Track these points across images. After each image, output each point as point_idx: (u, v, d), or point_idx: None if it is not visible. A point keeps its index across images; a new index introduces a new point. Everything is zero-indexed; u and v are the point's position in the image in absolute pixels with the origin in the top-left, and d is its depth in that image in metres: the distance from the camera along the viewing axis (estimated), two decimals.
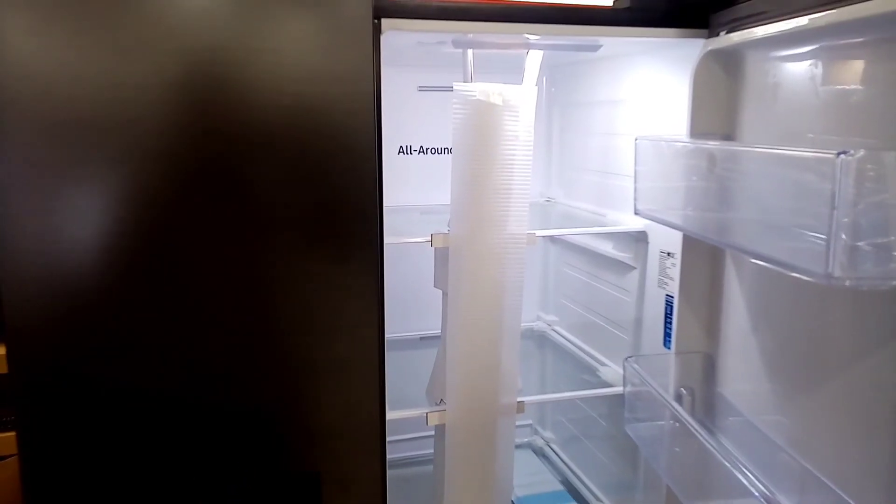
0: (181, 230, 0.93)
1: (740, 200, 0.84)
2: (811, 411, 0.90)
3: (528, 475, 1.64)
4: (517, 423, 1.66)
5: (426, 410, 1.24)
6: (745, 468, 0.85)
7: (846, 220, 0.63)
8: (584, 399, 1.59)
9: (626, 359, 1.19)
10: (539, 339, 1.77)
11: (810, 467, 0.87)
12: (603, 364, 1.48)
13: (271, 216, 0.96)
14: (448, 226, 1.21)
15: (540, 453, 1.76)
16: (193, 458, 0.98)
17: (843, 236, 0.63)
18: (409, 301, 1.58)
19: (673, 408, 1.04)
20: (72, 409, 0.92)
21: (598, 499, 1.49)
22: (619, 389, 1.32)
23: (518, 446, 1.76)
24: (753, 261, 0.97)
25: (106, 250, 0.91)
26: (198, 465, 0.98)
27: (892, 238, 0.63)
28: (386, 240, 1.10)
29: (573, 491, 1.56)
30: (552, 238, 1.76)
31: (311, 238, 0.98)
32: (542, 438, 1.78)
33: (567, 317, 1.70)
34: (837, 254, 0.64)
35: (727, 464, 0.87)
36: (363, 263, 1.02)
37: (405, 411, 1.23)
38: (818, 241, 0.65)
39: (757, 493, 0.80)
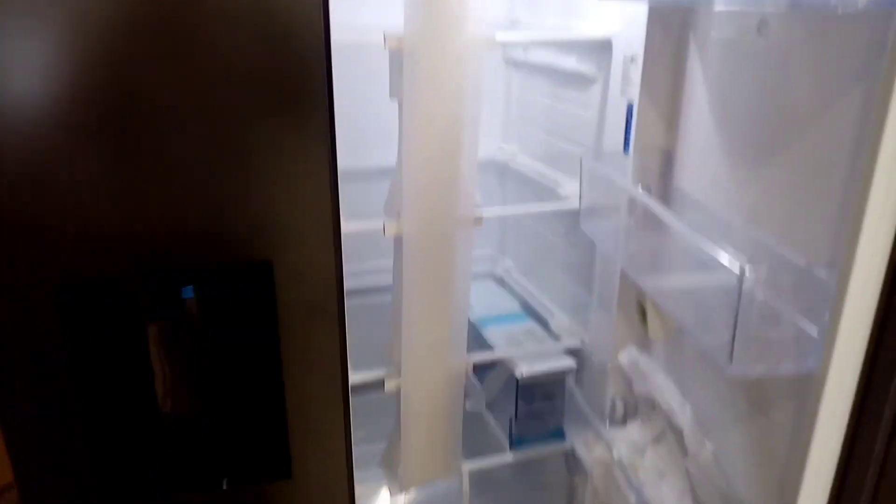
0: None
1: None
2: (767, 185, 0.90)
3: (488, 299, 1.66)
4: (478, 250, 1.67)
5: (383, 221, 1.23)
6: (701, 239, 0.86)
7: None
8: (542, 222, 1.59)
9: (582, 158, 1.18)
10: (500, 170, 1.75)
11: (761, 237, 0.88)
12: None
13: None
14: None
15: (500, 282, 1.79)
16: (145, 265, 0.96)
17: None
18: (369, 132, 1.52)
19: (629, 191, 1.03)
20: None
21: (553, 315, 1.53)
22: (576, 204, 1.32)
23: (479, 276, 1.78)
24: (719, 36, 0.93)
25: (52, 106, 0.85)
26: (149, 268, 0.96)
27: None
28: (335, 37, 1.03)
29: (532, 311, 1.60)
30: (515, 64, 1.70)
31: (254, 64, 0.92)
32: (503, 267, 1.80)
33: (529, 145, 1.67)
34: None
35: (681, 230, 0.87)
36: (310, 80, 0.96)
37: (360, 222, 1.20)
38: None
39: (710, 256, 0.81)
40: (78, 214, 0.91)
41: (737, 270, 0.76)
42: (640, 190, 1.11)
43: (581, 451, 1.42)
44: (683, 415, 1.00)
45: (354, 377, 1.26)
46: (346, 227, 1.14)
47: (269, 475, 1.05)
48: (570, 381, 1.45)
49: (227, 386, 1.03)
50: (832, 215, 0.77)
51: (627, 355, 1.20)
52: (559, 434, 1.51)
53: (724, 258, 0.78)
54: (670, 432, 1.07)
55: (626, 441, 1.19)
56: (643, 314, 1.19)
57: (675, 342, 1.12)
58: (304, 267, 1.01)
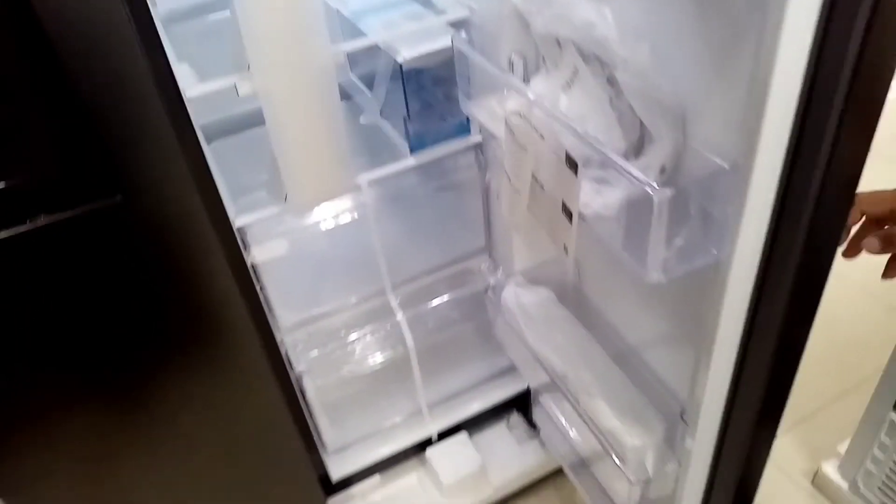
0: None
1: None
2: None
3: None
4: None
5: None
6: None
7: None
8: None
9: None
10: None
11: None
12: None
13: None
14: None
15: None
16: None
17: None
18: None
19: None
20: None
21: None
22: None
23: None
24: None
25: None
26: None
27: None
28: None
29: None
30: None
31: None
32: None
33: None
34: None
35: None
36: None
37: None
38: None
39: None
40: None
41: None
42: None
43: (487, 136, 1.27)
44: (605, 25, 0.81)
45: (196, 90, 1.05)
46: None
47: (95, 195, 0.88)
48: (464, 64, 1.25)
49: None
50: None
51: None
52: (463, 129, 1.35)
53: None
54: (583, 70, 0.90)
55: (533, 94, 1.01)
56: None
57: None
58: None
